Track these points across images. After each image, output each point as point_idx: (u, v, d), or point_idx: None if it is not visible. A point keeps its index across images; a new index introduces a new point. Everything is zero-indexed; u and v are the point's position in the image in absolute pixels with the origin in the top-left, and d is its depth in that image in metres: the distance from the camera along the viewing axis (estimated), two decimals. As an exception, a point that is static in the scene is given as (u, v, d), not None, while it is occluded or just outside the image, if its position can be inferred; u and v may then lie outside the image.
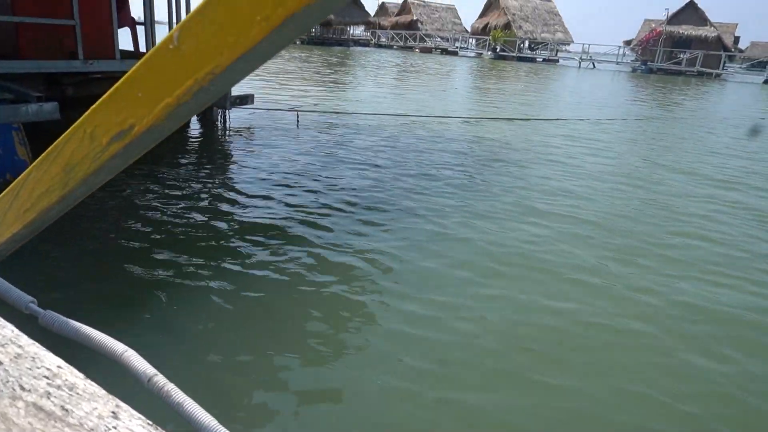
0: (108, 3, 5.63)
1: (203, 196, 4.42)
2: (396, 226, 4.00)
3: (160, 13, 7.03)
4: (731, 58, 40.43)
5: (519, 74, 26.34)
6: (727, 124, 11.74)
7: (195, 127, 6.83)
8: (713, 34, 37.44)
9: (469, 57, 43.16)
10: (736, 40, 59.15)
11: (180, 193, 4.41)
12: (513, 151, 6.85)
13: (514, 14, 44.60)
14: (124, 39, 6.61)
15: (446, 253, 3.57)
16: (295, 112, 7.36)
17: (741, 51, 66.96)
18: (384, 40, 52.57)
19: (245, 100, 6.98)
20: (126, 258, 3.19)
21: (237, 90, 8.42)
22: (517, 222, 4.23)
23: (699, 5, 38.58)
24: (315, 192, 4.67)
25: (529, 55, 43.27)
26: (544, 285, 3.23)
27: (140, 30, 6.66)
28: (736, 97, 21.71)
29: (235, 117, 7.14)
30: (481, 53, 44.50)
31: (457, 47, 47.75)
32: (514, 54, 41.70)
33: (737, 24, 51.39)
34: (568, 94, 18.13)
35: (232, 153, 6.07)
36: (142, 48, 6.70)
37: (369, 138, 6.97)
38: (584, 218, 4.43)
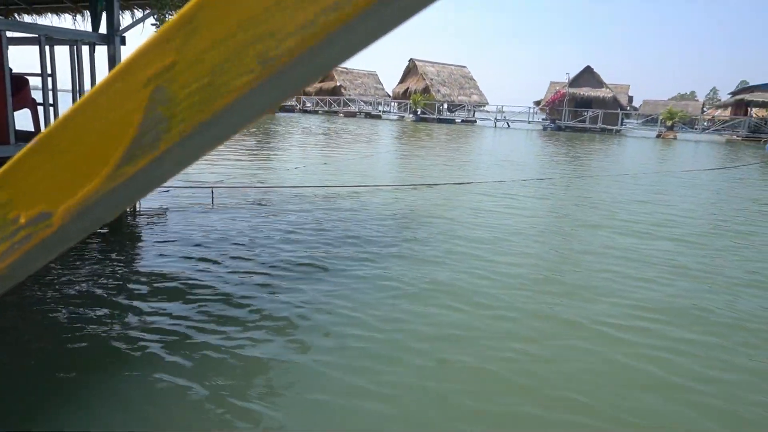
0: (2, 88, 5.39)
1: (111, 287, 4.15)
2: (314, 305, 3.92)
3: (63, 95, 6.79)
4: (627, 116, 44.45)
5: (440, 136, 27.55)
6: (632, 179, 12.74)
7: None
8: (609, 95, 41.25)
9: (392, 120, 44.82)
10: (630, 99, 65.37)
11: (84, 290, 4.12)
12: (433, 216, 7.03)
13: (431, 79, 47.21)
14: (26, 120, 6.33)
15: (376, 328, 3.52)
16: (210, 189, 7.23)
17: (636, 109, 74.00)
18: (309, 105, 53.70)
19: (157, 179, 6.78)
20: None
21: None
22: (433, 272, 4.28)
23: (595, 70, 42.60)
24: (231, 272, 4.52)
25: (448, 117, 45.60)
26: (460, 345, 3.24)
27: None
28: (635, 151, 23.74)
29: (146, 198, 6.89)
30: (403, 116, 46.38)
31: (380, 111, 49.50)
32: (434, 116, 43.80)
33: (629, 85, 56.94)
34: (487, 154, 19.10)
35: (143, 238, 5.82)
36: (43, 128, 6.42)
37: (290, 212, 6.92)
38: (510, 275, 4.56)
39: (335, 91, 53.03)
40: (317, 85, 55.54)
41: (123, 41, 6.12)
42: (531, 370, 3.24)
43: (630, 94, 63.61)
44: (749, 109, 39.46)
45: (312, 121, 36.75)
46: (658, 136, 37.06)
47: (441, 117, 44.55)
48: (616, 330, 3.83)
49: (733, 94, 48.56)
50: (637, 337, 3.74)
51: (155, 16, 5.60)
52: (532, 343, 3.59)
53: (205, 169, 10.39)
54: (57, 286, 4.14)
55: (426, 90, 46.13)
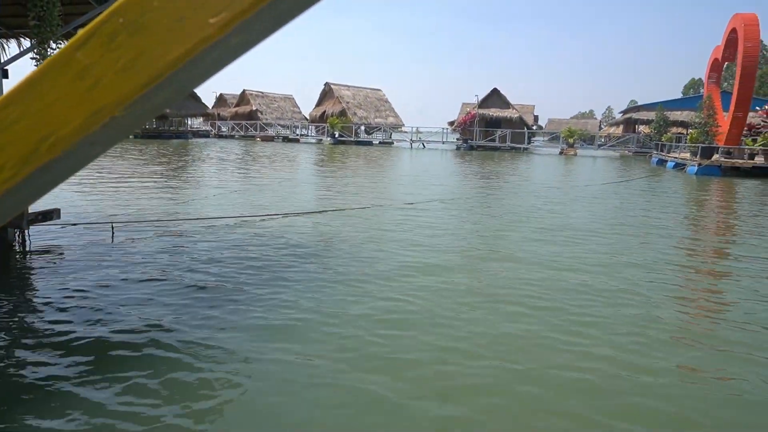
0: None
1: (-15, 338, 3.88)
2: (224, 344, 3.88)
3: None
4: (533, 134, 47.31)
5: (357, 158, 27.92)
6: (539, 195, 13.58)
7: (-14, 252, 6.07)
8: (516, 115, 43.75)
9: (311, 143, 44.85)
10: (536, 118, 69.72)
11: (-47, 340, 3.82)
12: (348, 241, 7.15)
13: (348, 102, 47.82)
14: None
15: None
16: (110, 224, 6.94)
17: (541, 127, 78.78)
18: (225, 130, 52.54)
19: (49, 215, 6.42)
20: None
21: (42, 203, 7.73)
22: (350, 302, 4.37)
23: (501, 92, 45.10)
24: (132, 313, 4.37)
25: (366, 139, 46.31)
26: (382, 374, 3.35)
27: None
28: (541, 167, 25.32)
29: (38, 235, 6.50)
30: (321, 139, 46.54)
31: (298, 135, 49.37)
32: (351, 138, 44.32)
33: (534, 105, 60.68)
34: (403, 175, 19.61)
35: (33, 278, 5.48)
36: None
37: (197, 246, 6.79)
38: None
39: (251, 116, 52.31)
40: (233, 110, 54.56)
41: (5, 74, 5.82)
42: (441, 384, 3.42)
43: (535, 114, 67.76)
44: (636, 126, 43.28)
45: (228, 146, 35.99)
46: (561, 152, 39.68)
47: (359, 139, 45.15)
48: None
49: (624, 112, 53.23)
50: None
51: (35, 50, 5.37)
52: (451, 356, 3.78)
53: (115, 202, 9.92)
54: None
55: (343, 113, 46.63)
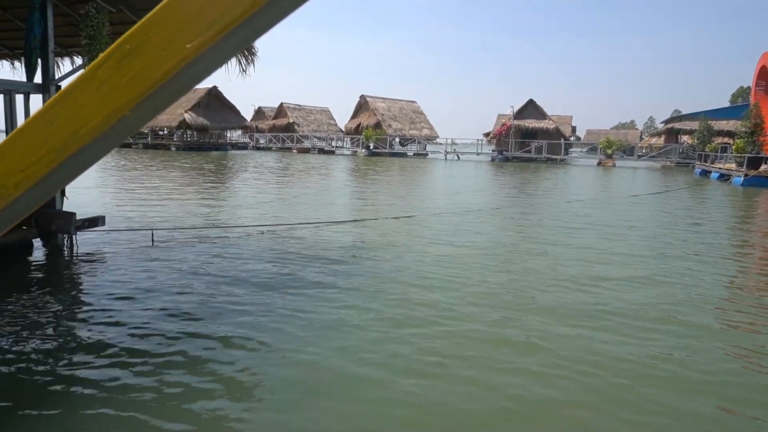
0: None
1: (49, 332, 4.18)
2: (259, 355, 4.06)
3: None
4: (569, 146, 46.63)
5: (392, 169, 28.16)
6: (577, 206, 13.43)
7: (38, 256, 6.48)
8: (552, 126, 43.23)
9: (346, 155, 45.41)
10: (574, 129, 68.69)
11: (24, 332, 4.13)
12: (389, 248, 7.29)
13: (383, 114, 48.30)
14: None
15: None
16: (150, 231, 7.29)
17: (579, 138, 77.47)
18: (262, 142, 53.82)
19: (95, 222, 6.81)
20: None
21: (87, 211, 8.17)
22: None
23: (538, 102, 44.69)
24: (174, 315, 4.62)
25: (400, 151, 46.59)
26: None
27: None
28: (577, 179, 24.94)
29: (84, 241, 6.90)
30: (356, 151, 47.06)
31: (333, 147, 50.07)
32: (386, 150, 44.67)
33: (572, 116, 59.79)
34: (440, 186, 19.69)
35: (81, 281, 5.83)
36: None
37: (233, 252, 7.05)
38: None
39: (288, 128, 53.38)
40: (270, 122, 55.85)
41: (58, 89, 6.24)
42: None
43: (573, 125, 66.76)
44: (679, 136, 42.10)
45: (266, 157, 36.87)
46: (599, 163, 38.93)
47: (393, 151, 45.47)
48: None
49: (666, 122, 51.85)
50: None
51: (81, 54, 5.77)
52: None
53: (157, 210, 10.38)
54: (-15, 335, 4.14)
55: (377, 125, 47.10)
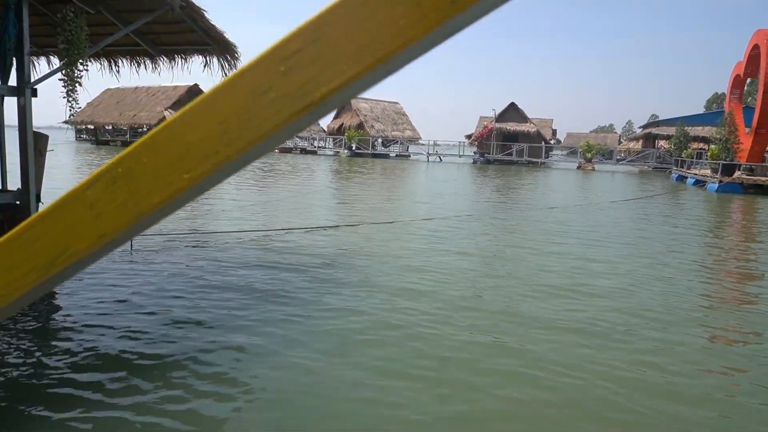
0: None
1: (37, 340, 4.06)
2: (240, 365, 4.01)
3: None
4: (550, 149, 47.13)
5: (374, 171, 28.14)
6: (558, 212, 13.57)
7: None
8: (533, 129, 43.67)
9: (328, 155, 45.29)
10: (554, 132, 69.48)
11: (9, 340, 4.01)
12: (368, 256, 7.27)
13: (365, 115, 48.23)
14: None
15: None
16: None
17: (559, 141, 78.30)
18: (244, 141, 53.29)
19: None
20: None
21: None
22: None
23: (519, 106, 45.10)
24: (162, 323, 4.53)
25: (383, 152, 46.60)
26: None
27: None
28: (558, 183, 25.24)
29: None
30: (339, 151, 46.95)
31: (315, 147, 49.87)
32: (369, 151, 44.63)
33: (552, 119, 60.37)
34: (422, 189, 19.73)
35: (53, 291, 5.69)
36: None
37: (215, 258, 6.97)
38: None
39: (270, 127, 52.92)
40: (252, 121, 55.31)
41: (34, 93, 6.07)
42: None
43: (554, 128, 67.45)
44: (657, 141, 42.90)
45: (246, 157, 36.47)
46: (579, 167, 39.44)
47: (376, 152, 45.46)
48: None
49: (644, 127, 52.79)
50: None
51: (63, 71, 5.62)
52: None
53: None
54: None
55: (360, 126, 47.03)
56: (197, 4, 6.56)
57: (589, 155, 40.01)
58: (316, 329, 4.64)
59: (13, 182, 6.50)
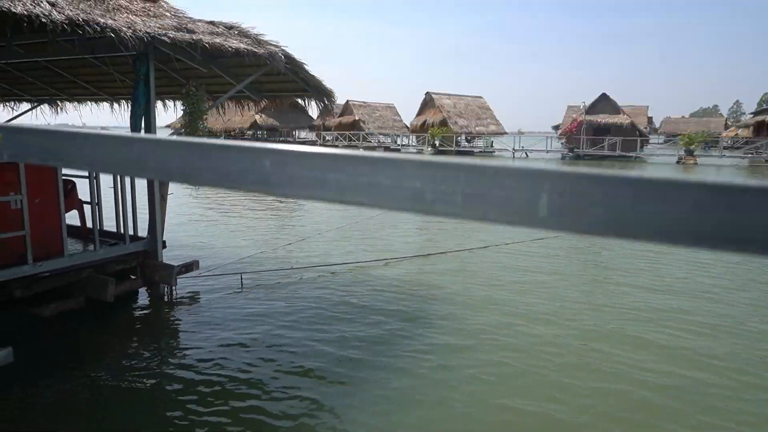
0: (57, 207, 6.05)
1: (147, 381, 4.65)
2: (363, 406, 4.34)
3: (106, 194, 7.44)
4: (645, 141, 44.38)
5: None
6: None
7: (143, 301, 7.12)
8: (627, 121, 41.32)
9: (411, 153, 45.46)
10: (650, 120, 65.21)
11: (125, 384, 4.63)
12: (470, 283, 7.44)
13: (448, 111, 47.92)
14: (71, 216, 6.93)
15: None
16: (239, 275, 7.80)
17: (656, 129, 73.17)
18: (329, 140, 54.92)
19: (190, 267, 7.35)
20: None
21: (183, 255, 8.80)
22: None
23: (611, 96, 42.81)
24: (265, 361, 4.99)
25: (467, 149, 46.14)
26: None
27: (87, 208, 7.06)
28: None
29: (180, 286, 7.47)
30: (422, 149, 47.05)
31: (399, 145, 50.31)
32: (452, 148, 44.37)
33: (648, 106, 56.72)
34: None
35: (179, 328, 6.37)
36: (89, 225, 7.04)
37: (319, 293, 7.42)
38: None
39: (354, 125, 54.08)
40: (336, 120, 56.81)
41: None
42: None
43: (649, 115, 63.25)
44: (773, 130, 39.10)
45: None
46: (679, 161, 36.83)
47: (459, 149, 45.11)
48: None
49: (756, 113, 48.11)
50: None
51: (184, 131, 6.27)
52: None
53: (231, 237, 11.03)
54: (95, 374, 4.67)
55: (443, 122, 46.83)
56: (298, 59, 6.98)
57: (692, 147, 37.03)
58: (433, 371, 4.86)
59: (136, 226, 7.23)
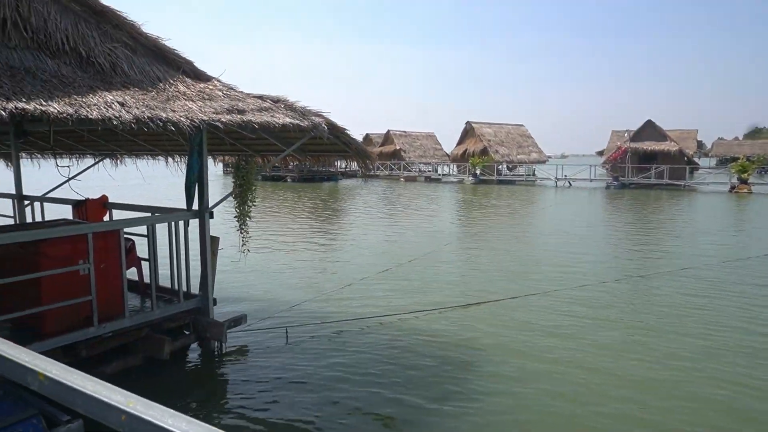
0: (119, 270, 6.53)
1: None
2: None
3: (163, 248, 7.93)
4: (694, 168, 42.97)
5: (501, 204, 27.90)
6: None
7: (193, 355, 7.50)
8: (675, 148, 40.23)
9: (452, 183, 45.63)
10: (700, 144, 63.11)
11: None
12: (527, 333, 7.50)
13: (489, 140, 47.95)
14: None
15: None
16: (284, 328, 8.11)
17: (706, 154, 70.55)
18: (371, 169, 55.66)
19: (238, 322, 7.71)
20: None
21: (230, 310, 9.19)
22: None
23: (656, 123, 41.86)
24: (305, 423, 5.21)
25: (508, 178, 45.86)
26: None
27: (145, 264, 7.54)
28: (707, 217, 23.01)
29: (228, 340, 7.83)
30: (463, 178, 47.08)
31: (440, 174, 50.54)
32: (494, 177, 44.21)
33: (697, 130, 55.06)
34: (558, 238, 19.32)
35: (228, 385, 6.70)
36: (146, 280, 7.51)
37: (365, 346, 7.64)
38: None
39: (395, 154, 54.73)
40: (378, 149, 57.65)
41: (211, 215, 7.23)
42: None
43: (699, 138, 61.21)
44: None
45: (375, 189, 38.20)
46: (731, 189, 35.42)
47: (500, 178, 44.91)
48: None
49: (814, 136, 45.86)
50: None
51: (237, 209, 6.68)
52: None
53: (276, 280, 11.42)
54: None
55: (484, 151, 46.86)
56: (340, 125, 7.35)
57: (744, 176, 35.58)
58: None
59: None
